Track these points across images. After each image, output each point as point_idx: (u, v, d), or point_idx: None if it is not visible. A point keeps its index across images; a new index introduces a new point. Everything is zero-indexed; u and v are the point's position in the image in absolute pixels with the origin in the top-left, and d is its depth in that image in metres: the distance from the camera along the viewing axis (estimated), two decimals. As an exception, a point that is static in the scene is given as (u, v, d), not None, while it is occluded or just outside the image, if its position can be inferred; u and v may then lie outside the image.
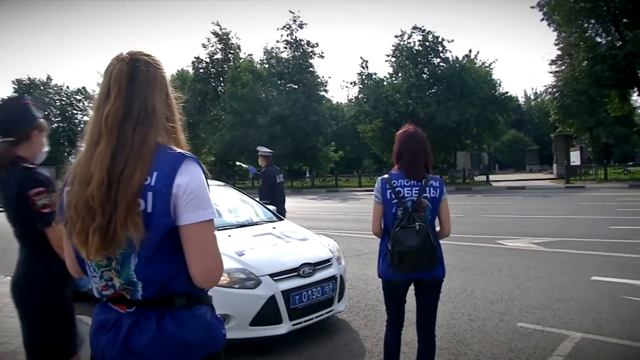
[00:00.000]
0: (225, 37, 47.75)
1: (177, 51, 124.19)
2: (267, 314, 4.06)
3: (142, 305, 1.41)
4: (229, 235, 4.77)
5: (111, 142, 1.37)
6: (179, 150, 1.44)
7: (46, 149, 2.66)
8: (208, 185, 1.44)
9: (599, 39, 31.45)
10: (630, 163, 39.06)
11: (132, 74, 1.41)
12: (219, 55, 48.17)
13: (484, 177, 34.64)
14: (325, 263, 4.62)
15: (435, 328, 3.28)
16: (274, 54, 43.59)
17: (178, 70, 53.87)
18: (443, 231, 3.22)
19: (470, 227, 11.53)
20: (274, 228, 5.16)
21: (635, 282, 5.95)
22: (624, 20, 29.57)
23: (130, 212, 1.32)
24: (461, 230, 10.95)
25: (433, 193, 3.09)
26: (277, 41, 43.51)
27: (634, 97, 34.42)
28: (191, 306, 1.44)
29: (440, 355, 4.05)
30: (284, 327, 4.11)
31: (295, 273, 4.31)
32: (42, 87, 61.00)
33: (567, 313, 5.00)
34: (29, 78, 62.01)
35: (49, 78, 63.52)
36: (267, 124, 39.10)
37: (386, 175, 3.19)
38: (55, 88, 62.79)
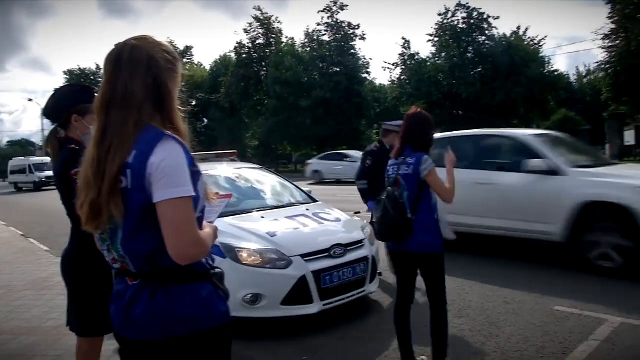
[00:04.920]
0: (266, 21, 47.86)
1: (224, 38, 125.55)
2: (298, 293, 4.14)
3: (143, 278, 1.49)
4: (262, 217, 4.87)
5: (101, 124, 1.47)
6: (161, 130, 1.47)
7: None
8: (192, 164, 1.47)
9: (659, 10, 29.70)
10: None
11: (118, 59, 1.49)
12: (261, 40, 48.35)
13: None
14: (357, 244, 4.65)
15: (444, 302, 3.35)
16: (315, 37, 43.44)
17: (221, 56, 54.53)
18: (443, 200, 3.32)
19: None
20: (307, 210, 5.22)
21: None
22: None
23: (113, 190, 1.41)
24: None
25: (406, 170, 3.30)
26: (318, 24, 43.30)
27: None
28: (186, 282, 1.50)
29: (472, 337, 4.05)
30: (314, 307, 4.18)
31: (327, 254, 4.36)
32: (92, 77, 63.14)
33: (608, 297, 4.85)
34: (79, 68, 64.34)
35: (98, 67, 65.61)
36: (310, 107, 39.16)
37: None
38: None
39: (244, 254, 4.16)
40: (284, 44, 46.45)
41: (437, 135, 7.72)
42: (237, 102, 46.94)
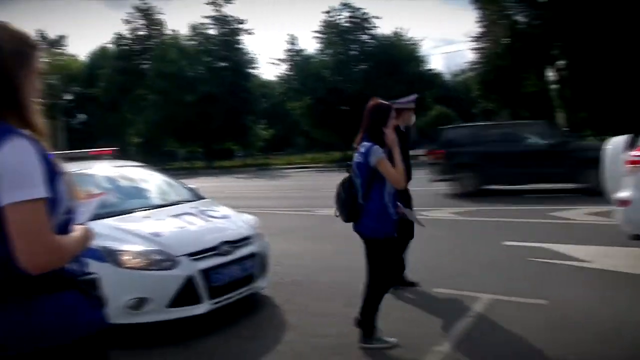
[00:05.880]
0: (148, 12, 45.80)
1: (102, 28, 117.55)
2: (186, 294, 4.00)
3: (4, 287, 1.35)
4: (146, 217, 4.65)
5: None
6: (8, 126, 1.34)
7: None
8: (49, 163, 1.36)
9: (518, 17, 32.82)
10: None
11: None
12: (142, 32, 46.21)
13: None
14: (245, 240, 4.61)
15: (376, 285, 3.74)
16: (200, 31, 42.40)
17: (99, 47, 51.25)
18: (395, 186, 3.59)
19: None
20: (193, 207, 5.07)
21: (542, 244, 6.35)
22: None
23: None
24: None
25: (358, 158, 3.58)
26: (204, 17, 42.30)
27: (550, 74, 36.28)
28: (48, 291, 1.38)
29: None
30: (203, 307, 4.08)
31: (215, 252, 4.27)
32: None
33: (480, 277, 5.29)
34: None
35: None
36: (196, 102, 38.17)
37: None
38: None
39: (126, 257, 3.95)
40: (167, 36, 44.81)
41: None
42: (117, 97, 44.48)
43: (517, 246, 6.46)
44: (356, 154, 3.64)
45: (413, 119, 5.15)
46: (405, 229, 4.79)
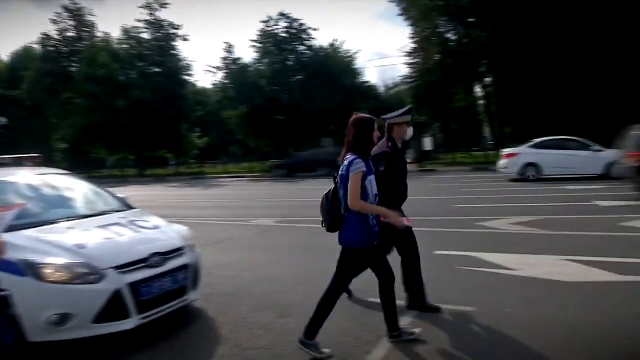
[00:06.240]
0: (78, 12, 43.97)
1: (27, 28, 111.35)
2: (113, 309, 3.82)
3: None
4: (71, 227, 4.43)
5: None
6: None
7: None
8: None
9: (449, 35, 34.32)
10: (475, 149, 43.18)
11: None
12: (71, 33, 44.29)
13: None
14: (177, 252, 4.49)
15: (333, 290, 3.84)
16: (133, 34, 41.17)
17: (22, 48, 48.61)
18: (348, 201, 3.60)
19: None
20: (122, 218, 4.87)
21: (472, 254, 6.58)
22: (471, 19, 32.61)
23: None
24: (312, 214, 11.30)
25: (342, 171, 3.67)
26: (137, 20, 41.11)
27: (477, 89, 38.09)
28: None
29: (297, 334, 4.13)
30: (131, 322, 3.90)
31: (144, 264, 4.12)
32: None
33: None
34: None
35: None
36: (127, 108, 36.88)
37: None
38: None
39: (48, 270, 3.72)
40: (98, 38, 43.19)
41: None
42: (42, 100, 42.29)
43: (447, 255, 6.67)
44: (341, 167, 3.70)
45: (410, 132, 4.69)
46: (405, 245, 4.93)
